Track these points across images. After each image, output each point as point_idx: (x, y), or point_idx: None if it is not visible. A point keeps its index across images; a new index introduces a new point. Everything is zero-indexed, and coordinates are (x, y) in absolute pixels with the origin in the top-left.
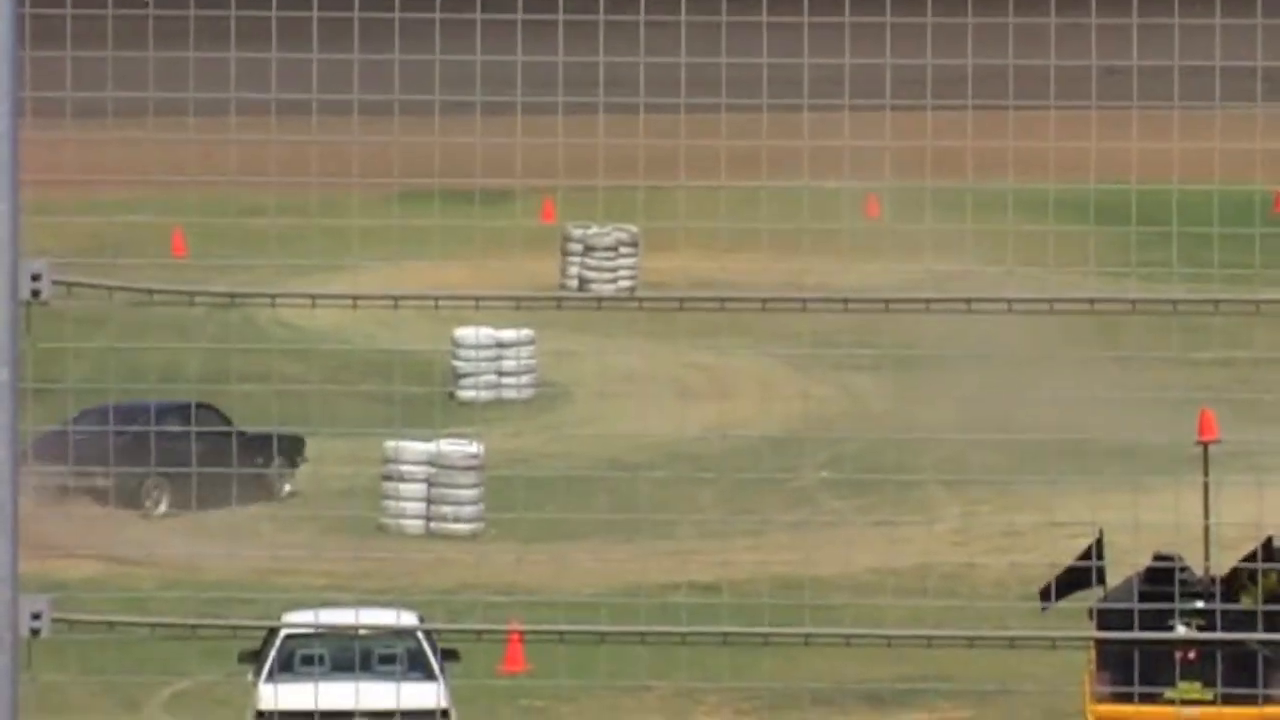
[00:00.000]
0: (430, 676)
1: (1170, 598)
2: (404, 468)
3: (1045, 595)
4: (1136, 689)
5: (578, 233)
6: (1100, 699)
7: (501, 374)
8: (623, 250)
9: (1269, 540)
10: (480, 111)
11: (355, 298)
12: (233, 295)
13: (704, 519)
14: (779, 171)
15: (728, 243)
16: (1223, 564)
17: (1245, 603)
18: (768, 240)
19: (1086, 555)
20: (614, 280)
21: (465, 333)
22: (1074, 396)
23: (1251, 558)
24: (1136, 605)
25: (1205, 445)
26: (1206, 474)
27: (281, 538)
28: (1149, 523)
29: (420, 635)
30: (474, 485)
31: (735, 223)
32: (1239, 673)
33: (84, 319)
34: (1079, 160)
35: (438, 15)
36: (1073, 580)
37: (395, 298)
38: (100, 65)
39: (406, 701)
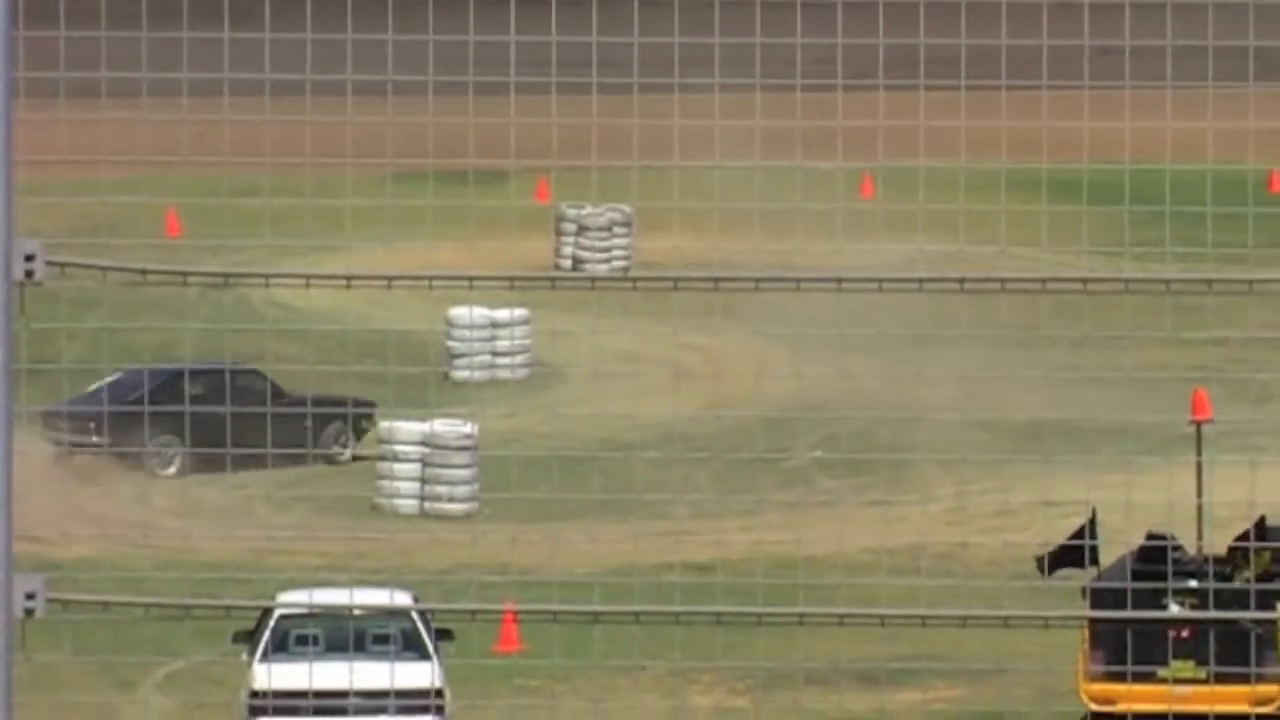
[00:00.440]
0: (424, 656)
1: (1163, 577)
2: (398, 448)
3: (1040, 564)
4: (1130, 668)
5: (572, 213)
6: (1093, 678)
7: (496, 354)
8: (616, 230)
9: (1262, 519)
10: (474, 92)
11: (349, 278)
12: (226, 276)
13: (698, 499)
14: (773, 152)
15: (721, 223)
16: (1216, 543)
17: (1241, 581)
18: (761, 220)
19: (1080, 534)
20: (608, 260)
21: (459, 312)
22: (1068, 376)
23: (1245, 537)
24: (1130, 584)
25: (1198, 424)
26: (1200, 453)
27: (276, 518)
28: (1142, 502)
29: (414, 615)
30: (468, 465)
31: (729, 203)
32: (1232, 651)
33: (77, 300)
34: (1072, 140)
35: None
36: (1067, 556)
37: (389, 278)
38: (94, 45)
39: (401, 681)
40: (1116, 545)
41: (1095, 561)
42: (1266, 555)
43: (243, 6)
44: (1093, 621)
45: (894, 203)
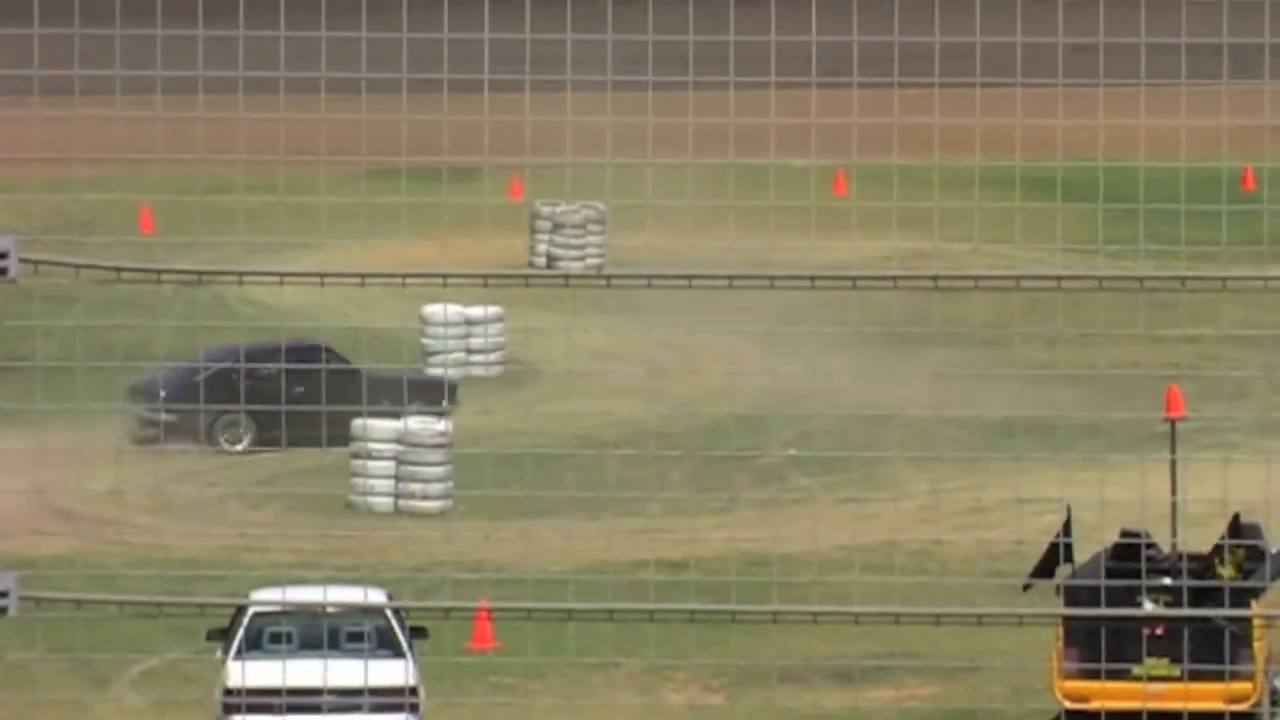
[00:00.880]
0: (399, 654)
1: (1137, 574)
2: (372, 445)
3: (1027, 588)
4: (1104, 665)
5: (546, 210)
6: (1068, 675)
7: (470, 351)
8: (590, 228)
9: (1236, 517)
10: (448, 89)
11: (323, 276)
12: (200, 274)
13: (672, 496)
14: (746, 149)
15: (695, 220)
16: (1190, 541)
17: (1222, 578)
18: (735, 218)
19: (1055, 545)
20: (582, 258)
21: (434, 310)
22: (1042, 374)
23: (1221, 536)
24: (1104, 582)
25: (1172, 422)
26: (1174, 451)
27: (250, 516)
28: (1116, 499)
29: (389, 613)
30: (442, 463)
31: (703, 200)
32: (1206, 649)
33: (51, 297)
34: (1046, 137)
35: None
36: (1048, 564)
37: (363, 275)
38: (67, 43)
39: (375, 679)
40: (1091, 543)
41: (1070, 559)
42: (1241, 552)
43: (216, 4)
44: (1067, 619)
45: (868, 200)
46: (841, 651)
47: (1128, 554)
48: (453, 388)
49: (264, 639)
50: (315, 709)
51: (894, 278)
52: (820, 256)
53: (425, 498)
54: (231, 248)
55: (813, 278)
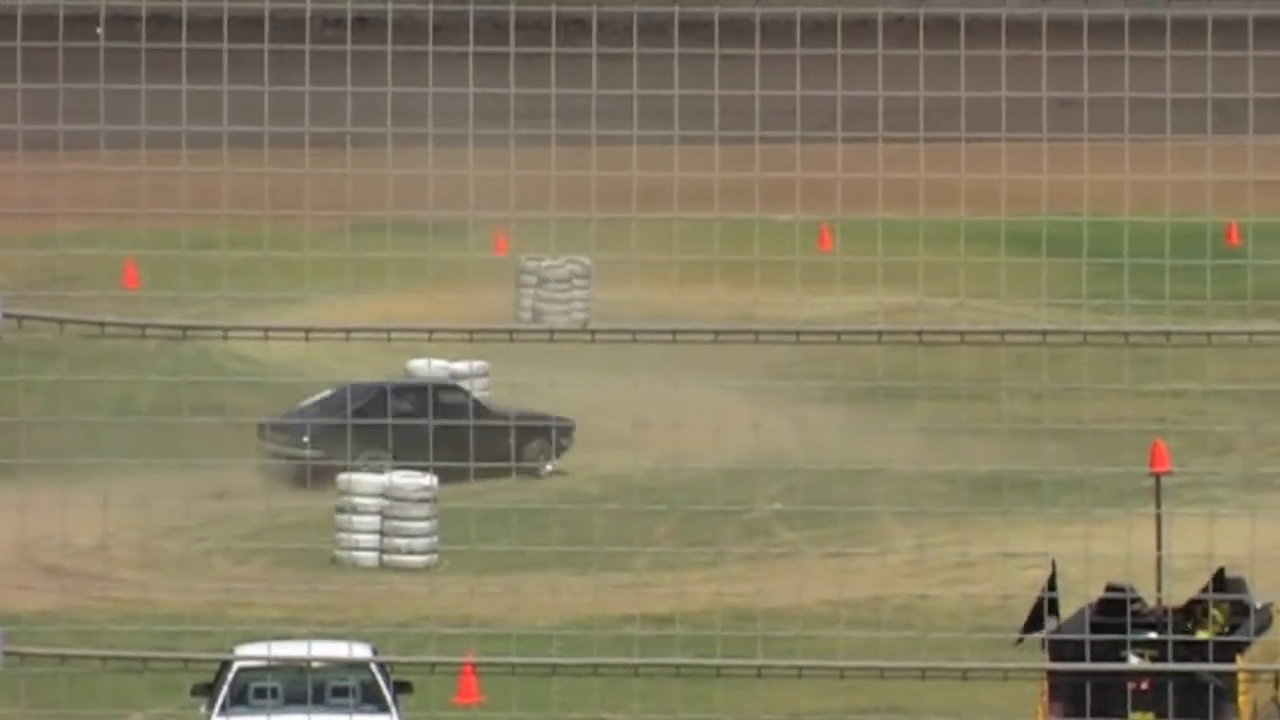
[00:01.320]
0: (384, 709)
1: (1123, 628)
2: (357, 500)
3: (1029, 629)
4: None
5: (531, 265)
6: None
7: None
8: (576, 282)
9: (1221, 571)
10: (433, 144)
11: (308, 330)
12: (184, 328)
13: (658, 551)
14: (731, 204)
15: (680, 275)
16: (1175, 595)
17: (1204, 634)
18: (720, 273)
19: (1040, 599)
20: (568, 312)
21: (418, 364)
22: (1027, 428)
23: (1205, 590)
24: (1089, 636)
25: (1158, 477)
26: (1159, 505)
27: (235, 570)
28: (1101, 554)
29: (373, 667)
30: (427, 517)
31: (688, 255)
32: (1191, 704)
33: (36, 352)
34: (1031, 192)
35: (390, 48)
36: (1037, 617)
37: (348, 330)
38: (51, 98)
39: None
40: (1076, 597)
41: (1055, 614)
42: (1226, 606)
43: (200, 58)
44: (1052, 673)
45: (853, 255)
46: (826, 706)
47: (1113, 609)
48: (569, 428)
49: (249, 694)
50: None
51: (879, 332)
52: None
53: (410, 552)
54: (216, 302)
55: (798, 332)
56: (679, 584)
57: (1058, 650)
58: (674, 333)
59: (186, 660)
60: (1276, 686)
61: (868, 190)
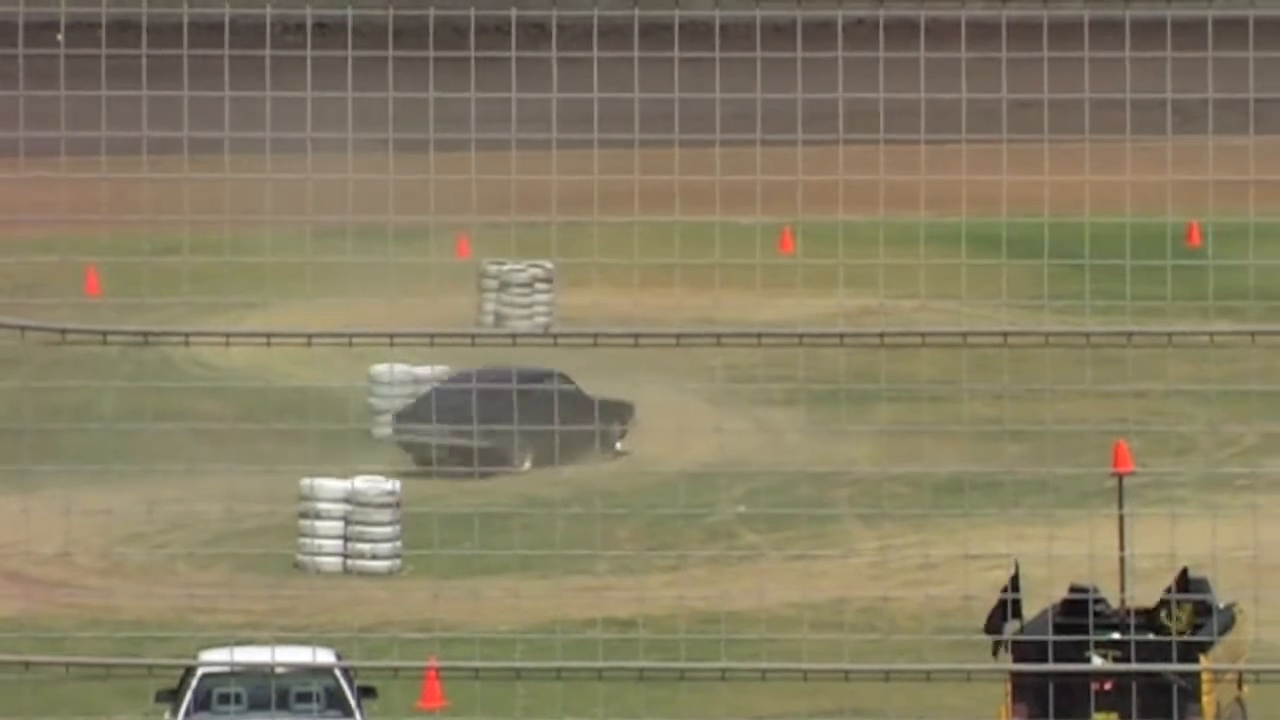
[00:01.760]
0: (348, 714)
1: (1086, 629)
2: (320, 505)
3: (990, 629)
4: None
5: (493, 269)
6: None
7: None
8: (538, 286)
9: (1184, 571)
10: (393, 148)
11: (270, 336)
12: (146, 334)
13: (621, 554)
14: (692, 207)
15: (642, 278)
16: (1137, 595)
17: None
18: (681, 275)
19: (1005, 592)
20: (530, 316)
21: (381, 369)
22: (989, 430)
23: (1169, 590)
24: (1052, 637)
25: (1120, 477)
26: (1121, 506)
27: (198, 576)
28: (1064, 555)
29: (337, 673)
30: (391, 522)
31: (649, 258)
32: (1154, 704)
33: None
34: (991, 193)
35: (350, 53)
36: (1000, 613)
37: (309, 335)
38: (11, 105)
39: None
40: (1039, 598)
41: (1018, 615)
42: (1190, 607)
43: (160, 65)
44: (1015, 674)
45: (814, 257)
46: (790, 709)
47: (1076, 609)
48: (629, 407)
49: (213, 700)
50: None
51: (840, 335)
52: (767, 314)
53: (374, 557)
54: (178, 308)
55: (759, 335)
56: (642, 588)
57: (1021, 651)
58: (636, 336)
59: (150, 666)
60: (1240, 687)
61: (828, 192)
